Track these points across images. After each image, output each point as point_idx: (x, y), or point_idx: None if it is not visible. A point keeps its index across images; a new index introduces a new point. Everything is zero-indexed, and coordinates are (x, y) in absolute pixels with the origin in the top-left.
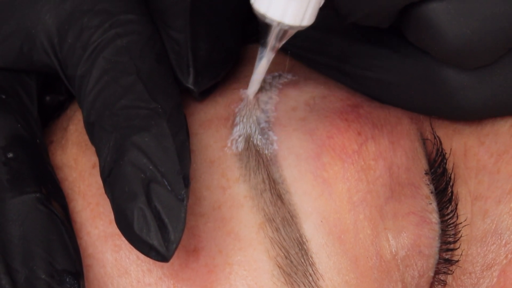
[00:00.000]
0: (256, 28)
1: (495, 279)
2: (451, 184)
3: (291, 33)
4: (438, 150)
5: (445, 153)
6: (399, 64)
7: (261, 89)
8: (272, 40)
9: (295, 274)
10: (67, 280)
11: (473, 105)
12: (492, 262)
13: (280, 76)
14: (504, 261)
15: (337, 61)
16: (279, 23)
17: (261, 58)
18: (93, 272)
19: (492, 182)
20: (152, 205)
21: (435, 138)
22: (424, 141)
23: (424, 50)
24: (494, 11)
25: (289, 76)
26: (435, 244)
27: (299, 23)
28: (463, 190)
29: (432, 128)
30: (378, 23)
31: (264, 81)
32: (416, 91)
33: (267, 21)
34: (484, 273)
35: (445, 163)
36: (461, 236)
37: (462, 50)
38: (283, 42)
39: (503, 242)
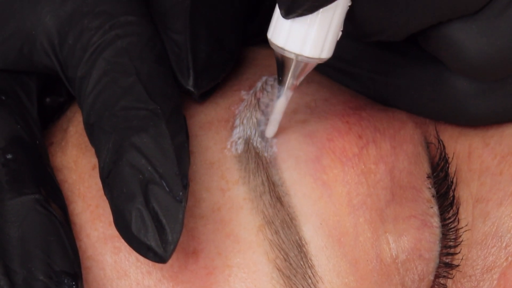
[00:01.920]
0: (257, 29)
1: (495, 282)
2: (453, 188)
3: (310, 67)
4: (441, 154)
5: (448, 157)
6: (409, 69)
7: (262, 91)
8: (290, 75)
9: (294, 276)
10: (65, 281)
11: (482, 113)
12: (493, 264)
13: None
14: (505, 264)
15: (345, 63)
16: (297, 56)
17: (279, 97)
18: (93, 274)
19: (494, 184)
20: (150, 206)
21: (439, 142)
22: (428, 145)
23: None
24: None
25: None
26: (436, 248)
27: (319, 55)
28: (465, 193)
29: (437, 132)
30: (397, 39)
31: (265, 82)
32: (424, 96)
33: (286, 54)
34: (484, 275)
35: (448, 168)
36: (462, 240)
37: (482, 67)
38: (301, 78)
39: (504, 244)
